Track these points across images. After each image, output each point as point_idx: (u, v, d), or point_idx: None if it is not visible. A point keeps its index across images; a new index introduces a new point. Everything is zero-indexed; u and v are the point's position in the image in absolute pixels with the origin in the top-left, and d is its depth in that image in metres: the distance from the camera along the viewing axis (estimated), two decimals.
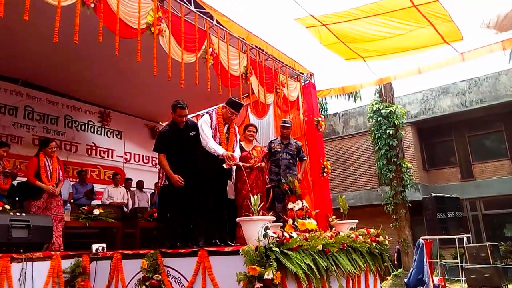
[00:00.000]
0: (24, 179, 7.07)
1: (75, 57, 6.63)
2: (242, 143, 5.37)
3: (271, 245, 3.19)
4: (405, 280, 7.49)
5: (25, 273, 4.16)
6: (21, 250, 4.34)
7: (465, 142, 15.94)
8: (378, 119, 14.61)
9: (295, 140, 6.28)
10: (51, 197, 5.48)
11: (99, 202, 7.77)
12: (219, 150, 4.49)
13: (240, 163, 4.69)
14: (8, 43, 6.28)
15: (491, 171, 15.14)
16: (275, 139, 6.23)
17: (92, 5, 4.26)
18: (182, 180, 4.42)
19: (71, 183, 7.86)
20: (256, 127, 5.66)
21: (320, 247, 3.63)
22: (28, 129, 8.08)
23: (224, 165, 4.46)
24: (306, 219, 4.59)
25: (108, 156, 9.50)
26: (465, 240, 7.91)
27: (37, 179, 5.44)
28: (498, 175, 14.82)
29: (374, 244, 4.83)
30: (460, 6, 6.17)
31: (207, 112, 4.91)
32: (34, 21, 3.92)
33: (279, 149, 5.89)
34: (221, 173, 4.65)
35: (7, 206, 5.16)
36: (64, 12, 4.00)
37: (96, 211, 6.26)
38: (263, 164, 5.19)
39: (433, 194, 8.39)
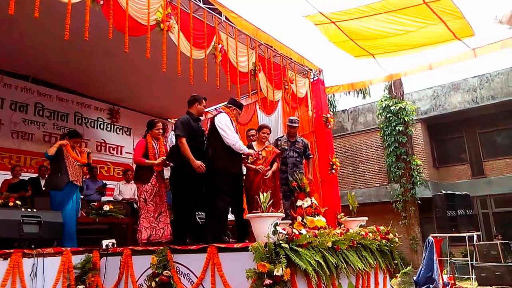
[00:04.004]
0: (35, 175, 7.21)
1: (84, 54, 6.66)
2: (253, 143, 5.38)
3: (281, 242, 3.20)
4: (414, 278, 7.44)
5: (37, 268, 4.22)
6: (32, 246, 4.38)
7: (476, 139, 15.74)
8: (388, 115, 14.54)
9: (302, 138, 6.23)
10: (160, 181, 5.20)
11: (110, 198, 7.81)
12: (246, 150, 4.83)
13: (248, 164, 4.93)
14: (18, 41, 6.33)
15: (502, 168, 14.93)
16: (281, 137, 6.17)
17: (102, 1, 4.27)
18: (204, 166, 4.45)
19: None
20: (270, 129, 5.60)
21: (329, 244, 3.63)
22: (38, 126, 8.14)
23: (248, 161, 4.99)
24: (315, 217, 4.56)
25: (117, 153, 9.54)
26: (475, 238, 7.83)
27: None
28: (510, 173, 14.59)
29: (384, 241, 4.81)
30: (472, 2, 6.10)
31: (224, 112, 4.87)
32: (43, 18, 3.94)
33: (286, 147, 5.83)
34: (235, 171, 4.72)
35: (18, 202, 5.21)
36: (74, 9, 4.02)
37: (106, 207, 6.28)
38: (269, 173, 5.13)
39: (443, 192, 8.31)
